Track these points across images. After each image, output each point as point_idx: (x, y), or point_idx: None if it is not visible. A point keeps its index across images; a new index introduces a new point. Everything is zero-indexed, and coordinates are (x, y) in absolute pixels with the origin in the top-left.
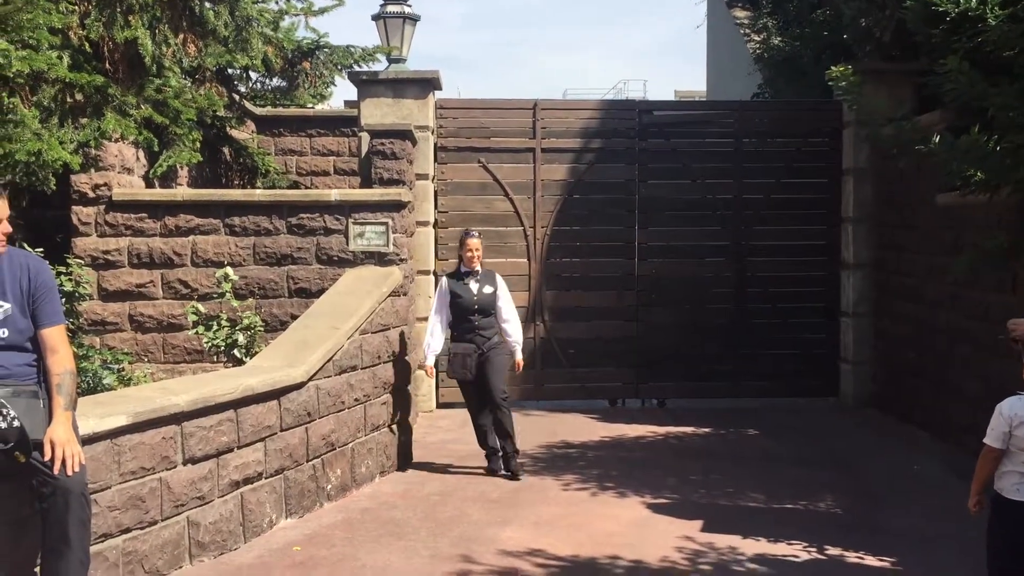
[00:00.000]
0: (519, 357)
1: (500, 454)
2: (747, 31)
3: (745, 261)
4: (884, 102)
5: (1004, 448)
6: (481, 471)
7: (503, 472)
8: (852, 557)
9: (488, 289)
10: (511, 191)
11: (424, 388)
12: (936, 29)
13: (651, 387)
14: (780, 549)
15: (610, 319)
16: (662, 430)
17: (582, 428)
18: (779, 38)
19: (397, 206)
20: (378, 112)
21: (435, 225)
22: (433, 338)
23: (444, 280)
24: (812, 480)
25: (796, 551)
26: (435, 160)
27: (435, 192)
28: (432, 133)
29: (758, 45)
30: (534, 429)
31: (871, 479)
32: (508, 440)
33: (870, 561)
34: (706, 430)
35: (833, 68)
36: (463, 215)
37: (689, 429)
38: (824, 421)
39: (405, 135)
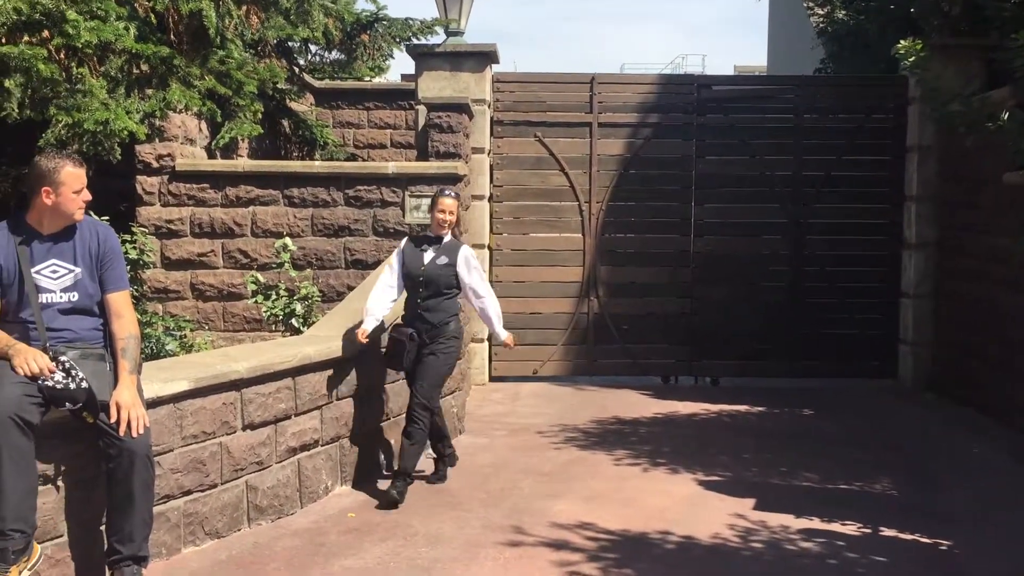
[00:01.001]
0: (504, 336)
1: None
2: (810, 4)
3: (803, 239)
4: (952, 78)
5: None
6: (533, 444)
7: (432, 476)
8: (907, 538)
9: (442, 260)
10: (567, 165)
11: (477, 361)
12: (1007, 2)
13: (705, 365)
14: (834, 529)
15: (664, 295)
16: (715, 408)
17: (634, 404)
18: (843, 11)
19: (453, 179)
20: (435, 85)
21: (490, 199)
22: (371, 301)
23: (404, 240)
24: (867, 461)
25: (850, 531)
26: (491, 134)
27: (491, 166)
28: (488, 107)
29: (821, 19)
30: (586, 404)
31: (928, 461)
32: (444, 441)
33: (925, 542)
34: (760, 409)
35: (901, 42)
36: (518, 189)
37: (743, 407)
38: (881, 403)
39: (462, 108)
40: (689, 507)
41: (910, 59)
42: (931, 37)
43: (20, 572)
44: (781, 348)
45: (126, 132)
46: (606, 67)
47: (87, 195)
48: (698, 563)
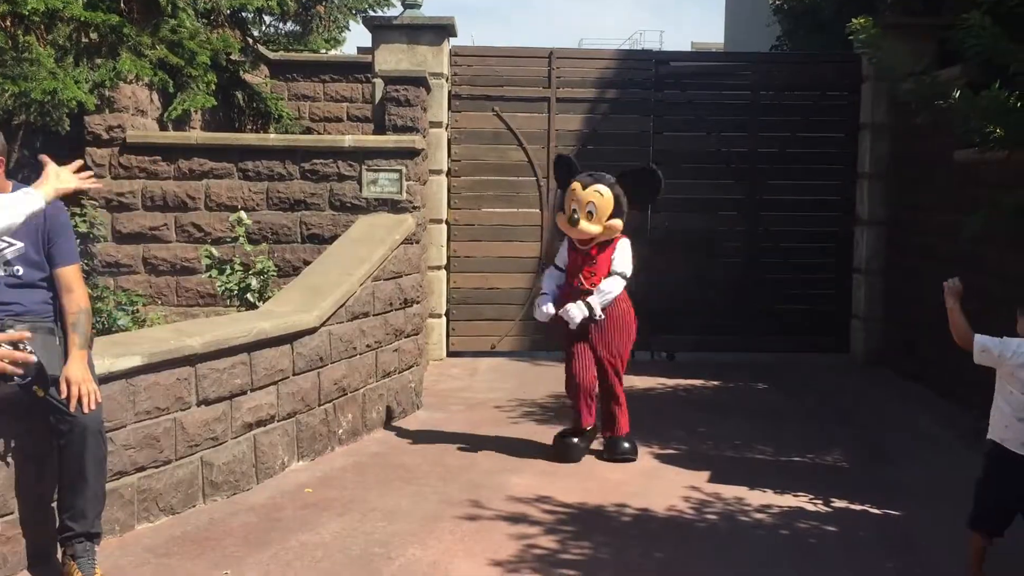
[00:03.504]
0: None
1: None
2: None
3: (758, 215)
4: (905, 56)
5: (976, 361)
6: (491, 419)
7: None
8: (857, 509)
9: None
10: (525, 141)
11: (435, 337)
12: None
13: (661, 340)
14: (786, 500)
15: None
16: (671, 382)
17: None
18: None
19: (411, 153)
20: (392, 58)
21: (448, 174)
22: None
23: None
24: (819, 434)
25: (802, 503)
26: (449, 108)
27: (448, 140)
28: (446, 81)
29: None
30: (543, 379)
31: (878, 435)
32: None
33: (875, 512)
34: (715, 383)
35: (854, 20)
36: (476, 164)
37: (698, 382)
38: (833, 377)
39: (419, 82)
40: (645, 480)
41: (862, 36)
42: (884, 15)
43: None
44: (737, 323)
45: (75, 102)
46: (564, 43)
47: None
48: (654, 535)
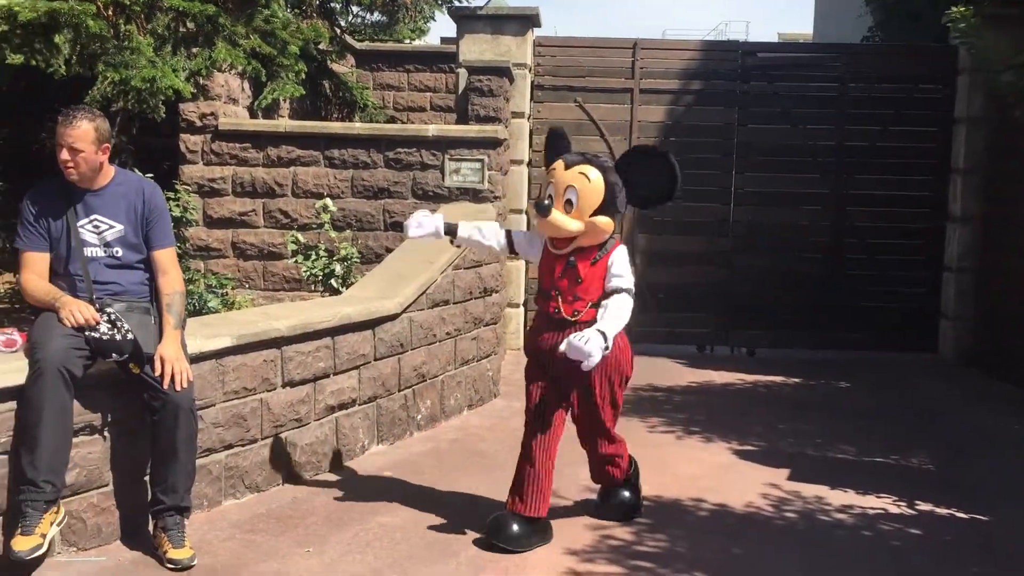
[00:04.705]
0: None
1: None
2: None
3: (844, 210)
4: (1005, 48)
5: None
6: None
7: None
8: (942, 512)
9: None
10: (607, 132)
11: (512, 326)
12: None
13: (741, 335)
14: (869, 502)
15: (702, 264)
16: (751, 378)
17: (669, 372)
18: None
19: (493, 143)
20: (476, 48)
21: (529, 164)
22: None
23: None
24: (905, 436)
25: (885, 504)
26: (531, 98)
27: (530, 131)
28: (529, 71)
29: None
30: None
31: (967, 437)
32: None
33: (961, 517)
34: (796, 380)
35: (953, 9)
36: None
37: (779, 378)
38: (920, 377)
39: (503, 72)
40: (723, 475)
41: (960, 26)
42: (984, 5)
43: (50, 524)
44: (819, 320)
45: (172, 90)
46: (648, 33)
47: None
48: (731, 531)
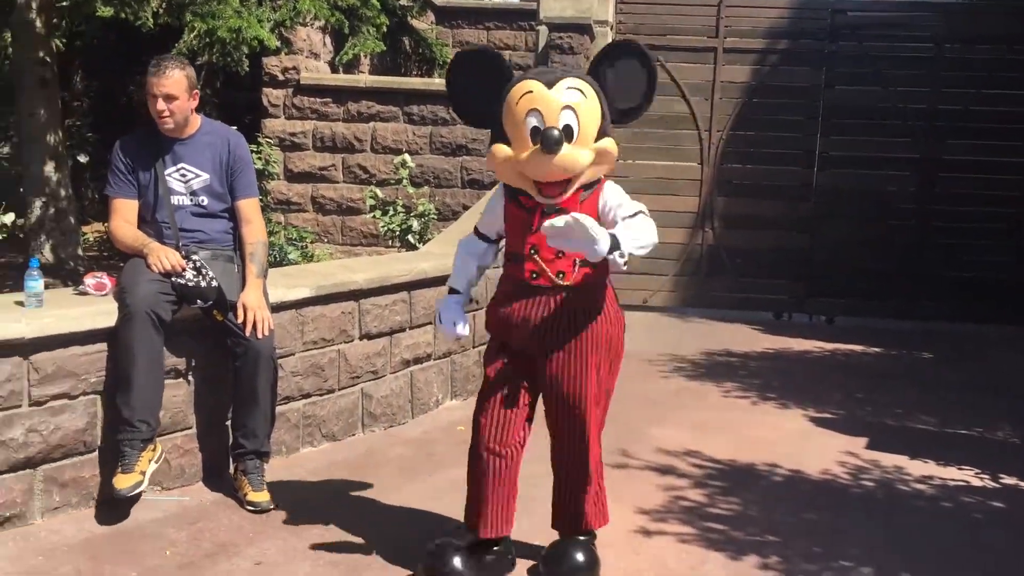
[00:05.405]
0: None
1: None
2: None
3: (934, 176)
4: None
5: None
6: (641, 372)
7: None
8: None
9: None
10: (688, 92)
11: None
12: None
13: (820, 302)
14: (950, 473)
15: (782, 229)
16: (829, 346)
17: (745, 338)
18: None
19: None
20: (557, 5)
21: None
22: None
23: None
24: (989, 408)
25: (967, 476)
26: None
27: None
28: (611, 28)
29: None
30: (695, 335)
31: None
32: None
33: None
34: (876, 350)
35: None
36: None
37: (858, 347)
38: (1006, 350)
39: (584, 29)
40: (799, 441)
41: None
42: None
43: (148, 462)
44: (903, 289)
45: (256, 41)
46: None
47: (192, 102)
48: (807, 497)
